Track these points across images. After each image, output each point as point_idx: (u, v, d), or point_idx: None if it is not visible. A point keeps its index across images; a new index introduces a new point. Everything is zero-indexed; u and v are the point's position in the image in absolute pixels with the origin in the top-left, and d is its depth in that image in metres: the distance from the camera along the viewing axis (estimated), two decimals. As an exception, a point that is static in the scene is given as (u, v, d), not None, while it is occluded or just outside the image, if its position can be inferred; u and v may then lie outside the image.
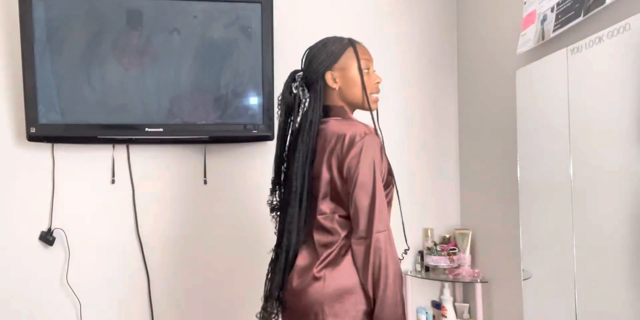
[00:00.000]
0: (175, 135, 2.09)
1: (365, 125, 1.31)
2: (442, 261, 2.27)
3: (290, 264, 1.36)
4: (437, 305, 2.40)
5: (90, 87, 2.02)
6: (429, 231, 2.41)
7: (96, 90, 2.02)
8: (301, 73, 1.39)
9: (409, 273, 2.36)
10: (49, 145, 2.15)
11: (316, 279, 1.28)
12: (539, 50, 1.78)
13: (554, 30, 1.65)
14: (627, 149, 1.30)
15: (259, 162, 2.32)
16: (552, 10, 1.67)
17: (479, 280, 2.20)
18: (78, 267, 2.16)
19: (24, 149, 2.13)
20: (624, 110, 1.32)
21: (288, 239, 1.36)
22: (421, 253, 2.39)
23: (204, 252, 2.27)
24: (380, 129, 1.36)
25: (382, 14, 2.47)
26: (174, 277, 2.24)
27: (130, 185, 2.21)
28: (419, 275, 2.33)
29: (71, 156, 2.17)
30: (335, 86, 1.36)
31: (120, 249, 2.20)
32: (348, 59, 1.36)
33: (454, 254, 2.29)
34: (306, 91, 1.37)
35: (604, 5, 1.40)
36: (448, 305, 2.32)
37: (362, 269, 1.24)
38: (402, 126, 2.47)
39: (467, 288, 2.40)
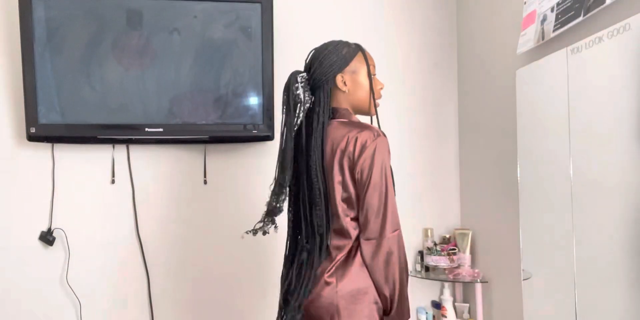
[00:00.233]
0: (175, 135, 2.09)
1: (374, 127, 1.32)
2: (442, 261, 2.27)
3: (317, 266, 1.33)
4: (437, 305, 2.40)
5: (90, 87, 2.02)
6: (429, 231, 2.41)
7: (96, 90, 2.02)
8: (304, 74, 1.38)
9: (409, 273, 2.36)
10: (49, 145, 2.15)
11: (327, 283, 1.29)
12: (539, 50, 1.78)
13: (554, 30, 1.65)
14: (627, 149, 1.30)
15: (259, 162, 2.32)
16: (552, 10, 1.67)
17: (479, 280, 2.20)
18: (78, 267, 2.16)
19: (24, 149, 2.13)
20: (624, 110, 1.32)
21: (320, 243, 1.33)
22: (421, 253, 2.39)
23: (203, 252, 2.27)
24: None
25: (382, 14, 2.47)
26: (174, 277, 2.24)
27: (130, 185, 2.21)
28: (419, 275, 2.33)
29: (71, 156, 2.17)
30: (345, 89, 1.37)
31: (120, 249, 2.20)
32: (359, 63, 1.38)
33: (454, 254, 2.29)
34: (309, 93, 1.37)
35: (604, 5, 1.40)
36: (448, 305, 2.32)
37: (374, 269, 1.28)
38: (402, 126, 2.47)
39: (467, 288, 2.41)
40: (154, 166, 2.23)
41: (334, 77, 1.36)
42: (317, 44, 1.43)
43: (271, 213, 1.41)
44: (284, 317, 1.36)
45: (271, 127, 2.15)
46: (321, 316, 1.30)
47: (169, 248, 2.24)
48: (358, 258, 1.30)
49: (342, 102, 1.39)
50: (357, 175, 1.29)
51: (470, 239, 2.31)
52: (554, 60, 1.63)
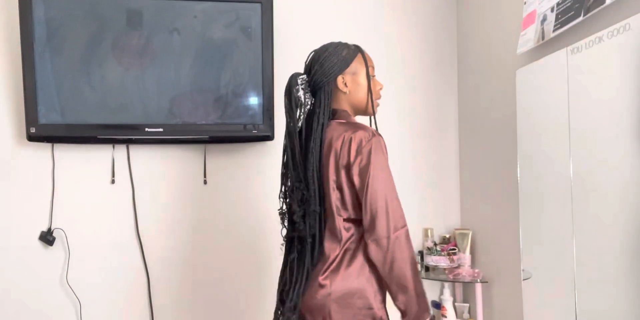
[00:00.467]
0: (175, 135, 2.08)
1: (369, 128, 1.32)
2: (442, 261, 2.27)
3: (314, 264, 1.34)
4: (437, 305, 2.40)
5: (90, 87, 2.02)
6: (429, 231, 2.41)
7: (96, 90, 2.02)
8: (304, 76, 1.39)
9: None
10: (49, 145, 2.15)
11: (321, 286, 1.29)
12: (539, 50, 1.78)
13: (554, 30, 1.65)
14: (627, 149, 1.30)
15: (259, 162, 2.32)
16: (552, 10, 1.67)
17: (479, 280, 2.20)
18: (78, 267, 2.16)
19: (24, 149, 2.13)
20: (624, 110, 1.32)
21: (312, 243, 1.35)
22: (421, 253, 2.39)
23: (203, 252, 2.27)
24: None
25: (381, 13, 2.47)
26: (174, 277, 2.24)
27: (130, 185, 2.21)
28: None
29: (71, 156, 2.17)
30: (346, 90, 1.38)
31: (120, 249, 2.20)
32: (359, 64, 1.39)
33: (454, 254, 2.29)
34: (310, 94, 1.38)
35: (604, 5, 1.40)
36: (448, 305, 2.32)
37: (383, 270, 1.26)
38: (402, 126, 2.47)
39: (467, 288, 2.40)
40: (154, 166, 2.23)
41: (335, 78, 1.37)
42: (317, 45, 1.44)
43: (289, 216, 1.42)
44: (281, 317, 1.37)
45: (271, 127, 2.15)
46: (314, 318, 1.30)
47: (169, 248, 2.24)
48: (355, 260, 1.29)
49: (343, 103, 1.40)
50: (355, 176, 1.28)
51: (470, 239, 2.31)
52: (554, 60, 1.63)
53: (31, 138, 2.01)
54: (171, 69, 2.07)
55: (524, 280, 1.86)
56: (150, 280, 2.21)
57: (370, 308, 1.28)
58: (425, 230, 2.42)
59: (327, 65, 1.36)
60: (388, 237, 1.24)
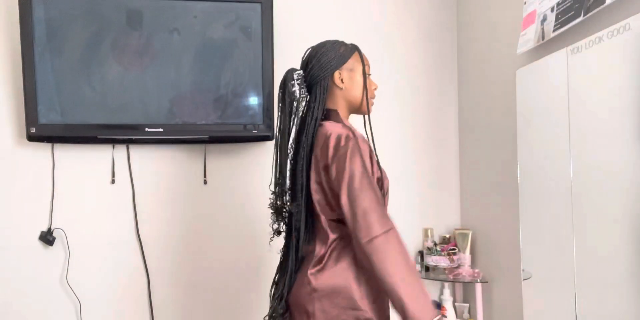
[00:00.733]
0: (175, 135, 2.08)
1: (349, 129, 1.30)
2: (442, 261, 2.27)
3: (298, 263, 1.37)
4: (437, 305, 2.40)
5: (90, 87, 2.02)
6: (429, 231, 2.41)
7: (96, 90, 2.02)
8: (300, 72, 1.39)
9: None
10: (49, 145, 2.15)
11: (306, 283, 1.29)
12: (539, 50, 1.78)
13: (554, 30, 1.65)
14: (627, 149, 1.30)
15: (259, 162, 2.32)
16: (552, 10, 1.67)
17: (479, 280, 2.20)
18: (78, 267, 2.16)
19: (24, 149, 2.13)
20: (624, 110, 1.32)
21: (297, 237, 1.36)
22: (421, 253, 2.39)
23: (203, 252, 2.27)
24: (371, 132, 1.39)
25: (381, 13, 2.47)
26: (174, 277, 2.24)
27: (130, 185, 2.21)
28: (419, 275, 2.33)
29: (71, 156, 2.17)
30: (342, 86, 1.38)
31: (120, 249, 2.20)
32: (356, 61, 1.39)
33: (454, 254, 2.29)
34: (305, 90, 1.39)
35: (604, 5, 1.40)
36: (448, 305, 2.32)
37: (374, 272, 1.20)
38: (402, 126, 2.47)
39: (467, 288, 2.40)
40: (154, 166, 2.23)
41: (332, 73, 1.37)
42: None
43: (277, 212, 1.43)
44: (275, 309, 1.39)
45: (271, 127, 2.15)
46: (300, 315, 1.31)
47: (169, 248, 2.24)
48: (342, 259, 1.28)
49: (338, 99, 1.40)
50: (333, 177, 1.26)
51: (470, 239, 2.31)
52: (554, 60, 1.63)
53: (31, 138, 2.01)
54: (171, 69, 2.07)
55: (524, 280, 1.86)
56: (150, 280, 2.21)
57: (356, 308, 1.25)
58: (425, 230, 2.42)
59: (324, 60, 1.36)
60: (369, 242, 1.18)
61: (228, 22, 2.11)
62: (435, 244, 2.37)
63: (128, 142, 2.18)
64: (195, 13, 2.08)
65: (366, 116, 1.44)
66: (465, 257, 2.29)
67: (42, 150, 2.15)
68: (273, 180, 1.42)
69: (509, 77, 2.01)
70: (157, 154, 2.24)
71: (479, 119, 2.31)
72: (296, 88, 1.36)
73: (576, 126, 1.52)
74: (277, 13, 2.27)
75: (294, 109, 1.37)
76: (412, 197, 2.46)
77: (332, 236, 1.31)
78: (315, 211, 1.35)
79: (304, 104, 1.38)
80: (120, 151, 2.21)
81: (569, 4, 1.57)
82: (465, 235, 2.31)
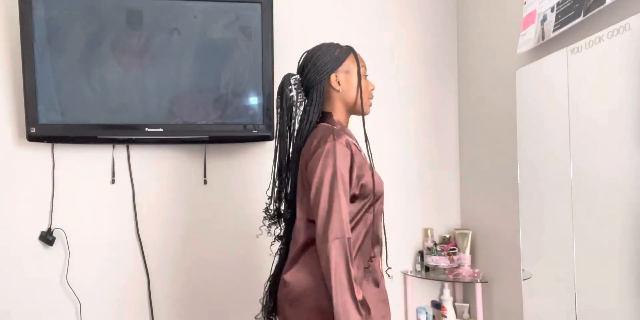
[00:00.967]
0: (175, 135, 2.08)
1: (334, 131, 1.30)
2: (442, 261, 2.27)
3: (283, 261, 1.42)
4: (437, 305, 2.40)
5: (90, 87, 2.02)
6: (429, 231, 2.41)
7: (96, 90, 2.02)
8: (297, 76, 1.40)
9: (409, 273, 2.37)
10: (49, 145, 2.15)
11: (283, 283, 1.32)
12: (539, 50, 1.78)
13: (554, 30, 1.65)
14: (627, 149, 1.30)
15: (259, 162, 2.32)
16: (552, 10, 1.67)
17: (479, 280, 2.20)
18: (78, 267, 2.16)
19: (24, 149, 2.13)
20: (624, 110, 1.32)
21: (286, 237, 1.42)
22: (421, 253, 2.39)
23: (203, 252, 2.27)
24: (364, 133, 1.38)
25: (381, 14, 2.47)
26: (174, 277, 2.24)
27: (130, 185, 2.21)
28: (419, 275, 2.33)
29: (71, 156, 2.17)
30: (339, 88, 1.38)
31: (120, 249, 2.20)
32: (351, 64, 1.40)
33: (454, 254, 2.29)
34: (302, 94, 1.41)
35: (604, 5, 1.40)
36: (448, 305, 2.32)
37: (324, 274, 1.21)
38: (402, 126, 2.47)
39: (467, 288, 2.40)
40: (154, 166, 2.23)
41: (328, 76, 1.37)
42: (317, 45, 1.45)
43: (271, 216, 1.47)
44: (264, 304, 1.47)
45: (271, 127, 2.15)
46: (280, 312, 1.36)
47: (169, 248, 2.24)
48: (313, 260, 1.27)
49: (336, 101, 1.40)
50: (307, 178, 1.28)
51: (470, 239, 2.31)
52: (554, 60, 1.63)
53: (31, 138, 2.01)
54: (171, 69, 2.07)
55: (524, 280, 1.86)
56: (150, 280, 2.21)
57: (324, 309, 1.22)
58: (425, 230, 2.42)
59: (320, 64, 1.36)
60: (322, 244, 1.19)
61: (228, 22, 2.11)
62: (435, 244, 2.37)
63: (128, 142, 2.18)
64: (195, 13, 2.08)
65: (365, 117, 1.45)
66: (465, 257, 2.29)
67: (42, 150, 2.15)
68: (270, 185, 1.45)
69: (509, 77, 2.01)
70: (157, 154, 2.24)
71: (479, 119, 2.31)
72: (293, 93, 1.38)
73: (576, 126, 1.52)
74: (277, 13, 2.27)
75: (293, 113, 1.39)
76: (412, 197, 2.46)
77: (305, 236, 1.32)
78: (297, 213, 1.37)
79: (302, 108, 1.39)
80: (120, 151, 2.21)
81: (569, 4, 1.57)
82: (465, 235, 2.31)
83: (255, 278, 2.30)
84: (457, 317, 2.36)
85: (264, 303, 1.45)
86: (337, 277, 1.16)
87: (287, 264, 1.34)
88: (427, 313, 2.37)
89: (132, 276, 2.20)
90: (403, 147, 2.46)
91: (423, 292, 2.44)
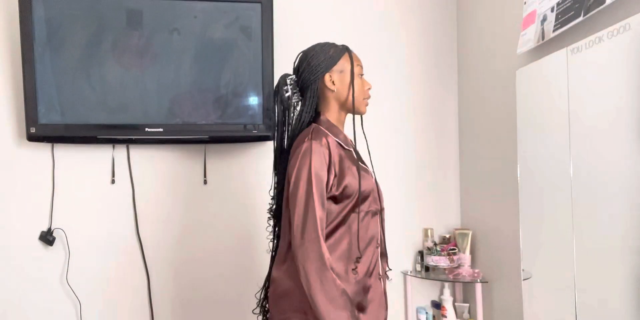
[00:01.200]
0: (175, 135, 2.08)
1: (316, 132, 1.30)
2: (442, 261, 2.27)
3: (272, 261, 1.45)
4: (437, 305, 2.40)
5: (90, 87, 2.02)
6: (429, 231, 2.41)
7: (96, 90, 2.02)
8: (292, 76, 1.40)
9: (409, 273, 2.37)
10: (49, 145, 2.15)
11: (272, 279, 1.34)
12: (539, 50, 1.78)
13: (554, 30, 1.65)
14: (627, 149, 1.30)
15: (259, 162, 2.32)
16: (552, 10, 1.67)
17: (479, 280, 2.20)
18: (78, 267, 2.16)
19: (24, 149, 2.13)
20: (624, 110, 1.32)
21: (277, 239, 1.46)
22: (421, 253, 2.39)
23: (203, 252, 2.27)
24: (355, 132, 1.38)
25: (381, 14, 2.47)
26: (174, 277, 2.24)
27: (130, 185, 2.21)
28: (419, 275, 2.33)
29: (71, 156, 2.17)
30: (334, 88, 1.38)
31: (120, 249, 2.20)
32: (346, 63, 1.39)
33: (454, 254, 2.29)
34: (298, 94, 1.41)
35: (604, 5, 1.40)
36: (448, 305, 2.32)
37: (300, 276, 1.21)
38: (402, 126, 2.47)
39: (467, 288, 2.40)
40: (154, 166, 2.23)
41: (322, 76, 1.37)
42: (317, 45, 1.45)
43: (276, 217, 1.48)
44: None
45: (271, 127, 2.15)
46: (270, 309, 1.36)
47: (169, 248, 2.24)
48: (290, 261, 1.28)
49: (331, 101, 1.40)
50: (287, 178, 1.30)
51: (470, 239, 2.31)
52: (554, 60, 1.63)
53: (31, 138, 2.01)
54: (171, 69, 2.07)
55: (524, 280, 1.86)
56: (150, 280, 2.21)
57: (303, 312, 1.22)
58: (425, 230, 2.42)
59: (314, 63, 1.36)
60: (295, 246, 1.20)
61: (228, 22, 2.11)
62: (435, 244, 2.37)
63: (128, 142, 2.18)
64: (195, 13, 2.08)
65: (358, 117, 1.45)
66: (465, 257, 2.29)
67: (42, 150, 2.15)
68: (272, 184, 1.46)
69: (509, 77, 2.01)
70: (157, 154, 2.24)
71: (479, 119, 2.31)
72: (289, 93, 1.38)
73: (576, 126, 1.52)
74: (277, 13, 2.27)
75: (290, 114, 1.40)
76: (412, 197, 2.46)
77: (288, 238, 1.32)
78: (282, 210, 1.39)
79: (299, 108, 1.40)
80: (120, 151, 2.21)
81: (569, 4, 1.57)
82: (465, 235, 2.31)
83: (255, 277, 2.30)
84: (457, 317, 2.36)
85: (259, 298, 1.47)
86: (310, 280, 1.16)
87: (276, 262, 1.35)
88: (427, 313, 2.37)
89: (132, 276, 2.20)
90: (403, 147, 2.46)
91: (423, 292, 2.44)
